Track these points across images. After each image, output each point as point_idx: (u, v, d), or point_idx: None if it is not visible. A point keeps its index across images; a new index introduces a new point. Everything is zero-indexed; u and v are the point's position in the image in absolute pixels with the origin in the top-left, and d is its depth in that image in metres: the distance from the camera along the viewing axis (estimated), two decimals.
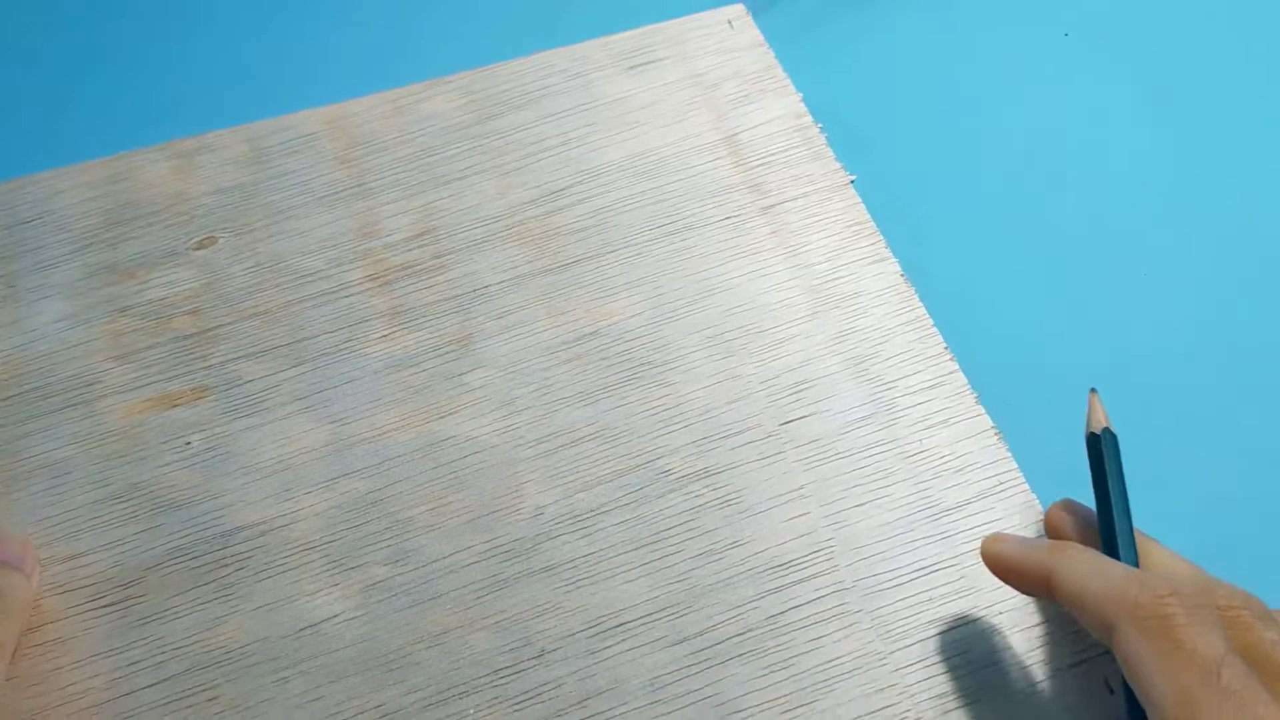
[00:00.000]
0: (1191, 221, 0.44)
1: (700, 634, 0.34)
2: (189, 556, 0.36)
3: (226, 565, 0.35)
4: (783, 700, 0.32)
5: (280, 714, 0.33)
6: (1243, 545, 0.36)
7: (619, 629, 0.34)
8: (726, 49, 0.48)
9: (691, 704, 0.32)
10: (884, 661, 0.33)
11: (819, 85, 0.47)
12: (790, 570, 0.35)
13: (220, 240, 0.43)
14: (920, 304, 0.40)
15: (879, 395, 0.38)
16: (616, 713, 0.32)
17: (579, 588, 0.35)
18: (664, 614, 0.34)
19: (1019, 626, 0.34)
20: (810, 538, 0.35)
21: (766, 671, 0.33)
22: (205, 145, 0.46)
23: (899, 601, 0.34)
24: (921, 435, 0.37)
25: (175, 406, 0.39)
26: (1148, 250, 0.43)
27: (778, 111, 0.46)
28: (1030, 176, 0.45)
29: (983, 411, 0.38)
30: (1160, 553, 0.31)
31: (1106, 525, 0.31)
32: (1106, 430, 0.32)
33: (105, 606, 0.35)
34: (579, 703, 0.33)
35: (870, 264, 0.41)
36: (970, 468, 0.37)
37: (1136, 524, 0.31)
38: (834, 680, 0.33)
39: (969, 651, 0.33)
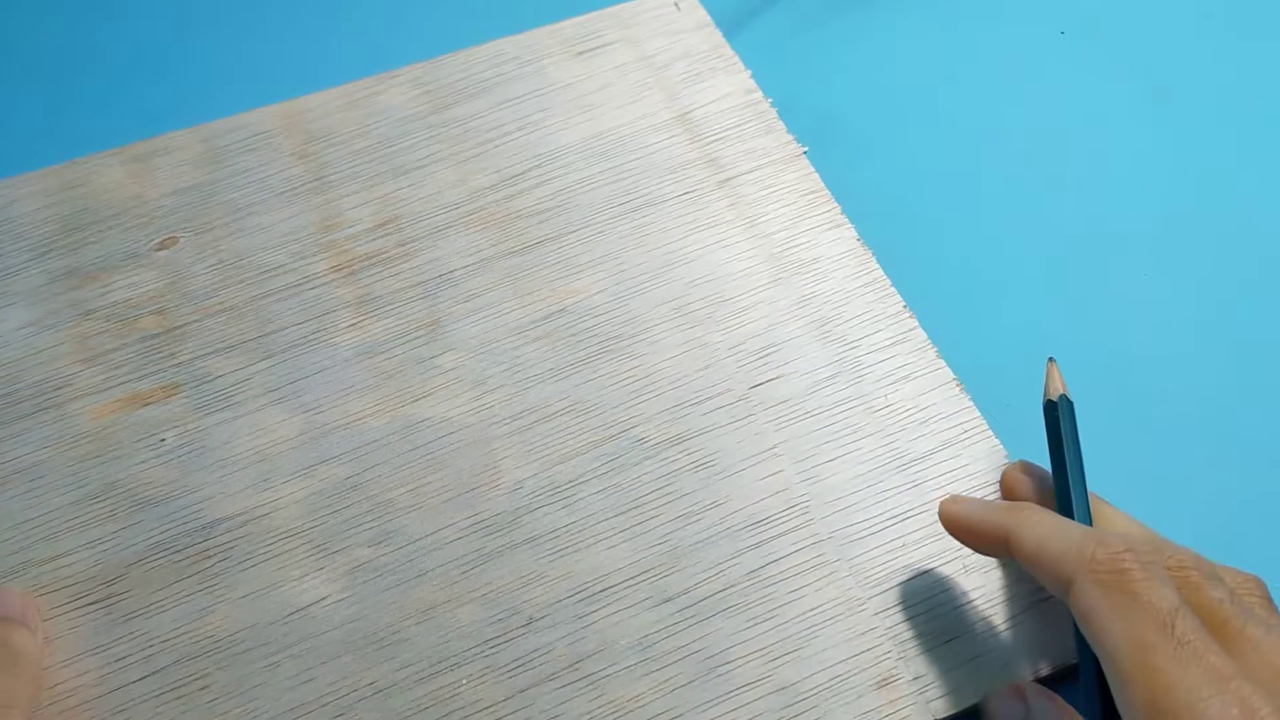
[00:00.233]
0: (1186, 217, 0.44)
1: (684, 593, 0.34)
2: (171, 550, 0.36)
3: (210, 557, 0.35)
4: (769, 650, 0.33)
5: (273, 697, 0.33)
6: (1242, 545, 0.36)
7: (604, 593, 0.34)
8: (674, 31, 0.49)
9: (680, 659, 0.33)
10: (863, 607, 0.34)
11: (819, 85, 0.48)
12: (768, 526, 0.36)
13: (181, 240, 0.43)
14: (878, 266, 0.41)
15: (843, 355, 0.39)
16: (607, 673, 0.33)
17: (563, 556, 0.35)
18: (647, 576, 0.35)
19: (988, 567, 0.35)
20: (785, 494, 0.36)
21: (751, 624, 0.34)
22: (160, 148, 0.46)
23: (874, 549, 0.35)
24: (886, 390, 0.38)
25: (147, 405, 0.39)
26: (1144, 248, 0.43)
27: (728, 89, 0.47)
28: (1027, 174, 0.45)
29: (944, 365, 0.39)
30: (1113, 515, 0.32)
31: (1062, 488, 0.32)
32: (1063, 397, 0.34)
33: (90, 605, 0.35)
34: (570, 666, 0.33)
35: (827, 230, 0.43)
36: (935, 419, 0.38)
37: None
38: (817, 628, 0.34)
39: (942, 593, 0.34)
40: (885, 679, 0.33)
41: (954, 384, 0.39)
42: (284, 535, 0.36)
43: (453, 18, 0.51)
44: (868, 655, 0.33)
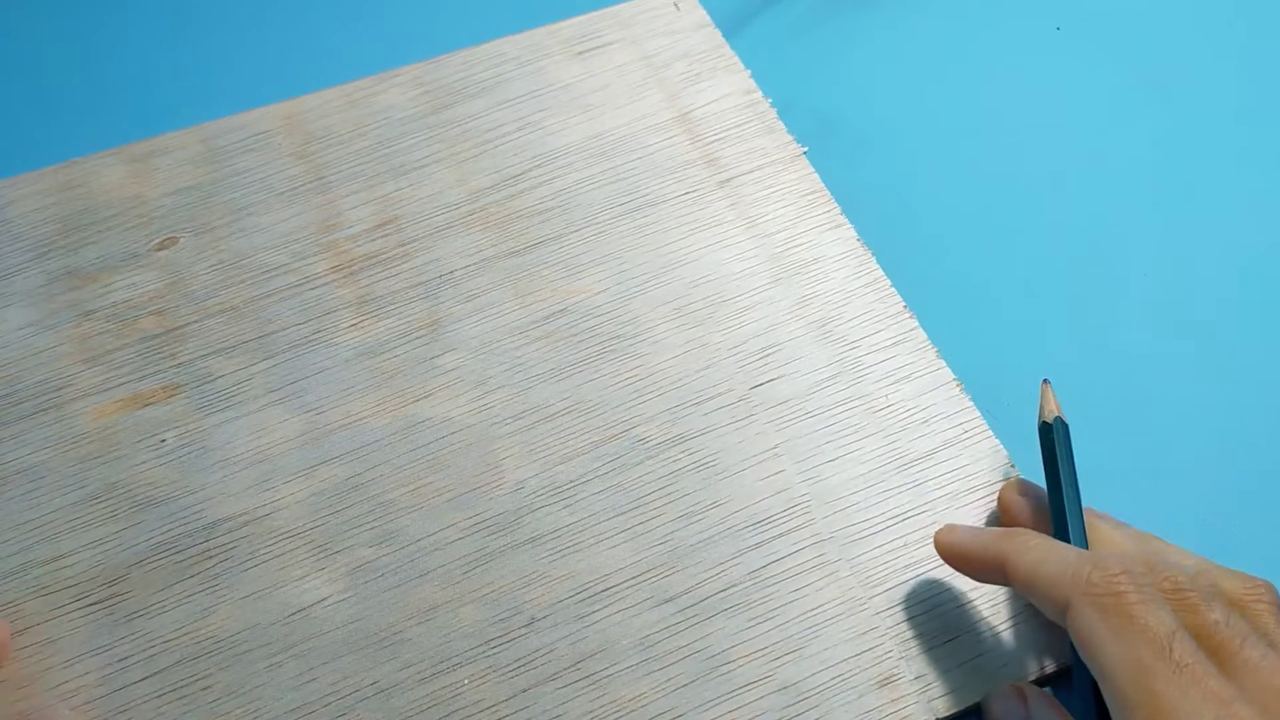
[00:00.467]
0: (1186, 215, 0.44)
1: (686, 592, 0.34)
2: (172, 551, 0.36)
3: (211, 557, 0.35)
4: (770, 649, 0.33)
5: (275, 697, 0.33)
6: (1243, 545, 0.36)
7: (606, 593, 0.34)
8: (674, 30, 0.49)
9: (682, 659, 0.33)
10: (864, 606, 0.34)
11: (819, 85, 0.48)
12: (769, 526, 0.36)
13: (181, 240, 0.43)
14: (878, 266, 0.41)
15: (843, 355, 0.39)
16: (609, 672, 0.33)
17: (564, 556, 0.35)
18: (649, 575, 0.35)
19: None
20: (786, 494, 0.36)
21: (752, 623, 0.34)
22: (159, 148, 0.46)
23: (876, 549, 0.35)
24: (887, 390, 0.38)
25: (147, 405, 0.39)
26: (1144, 246, 0.43)
27: (728, 89, 0.47)
28: (1026, 173, 0.45)
29: (944, 365, 0.39)
30: (1110, 532, 0.32)
31: (1058, 509, 0.32)
32: (1058, 419, 0.34)
33: (91, 605, 0.35)
34: (572, 665, 0.33)
35: (828, 230, 0.43)
36: (935, 419, 0.38)
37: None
38: (818, 627, 0.34)
39: (944, 592, 0.34)
40: (887, 678, 0.33)
41: (954, 384, 0.39)
42: (285, 535, 0.36)
43: (453, 18, 0.51)
44: (869, 654, 0.33)
